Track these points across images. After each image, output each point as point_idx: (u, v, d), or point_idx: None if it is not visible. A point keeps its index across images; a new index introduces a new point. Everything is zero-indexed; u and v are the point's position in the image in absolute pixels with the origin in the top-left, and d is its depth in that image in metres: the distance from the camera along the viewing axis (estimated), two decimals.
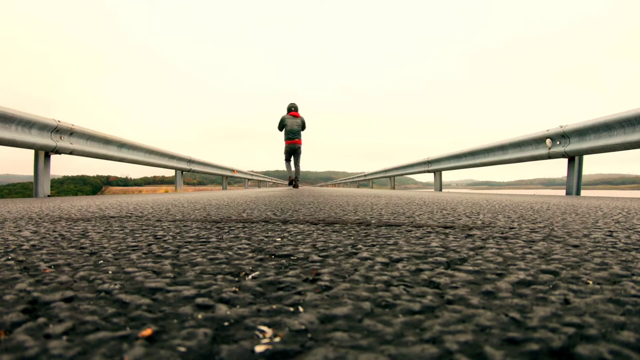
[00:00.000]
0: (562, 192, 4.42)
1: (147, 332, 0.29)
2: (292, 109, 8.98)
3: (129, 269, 0.50)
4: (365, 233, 0.86)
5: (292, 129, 8.89)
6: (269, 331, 0.29)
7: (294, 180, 8.82)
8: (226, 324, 0.31)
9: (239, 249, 0.66)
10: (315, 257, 0.58)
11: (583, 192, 4.29)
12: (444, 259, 0.56)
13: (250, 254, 0.61)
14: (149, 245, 0.70)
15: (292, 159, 9.07)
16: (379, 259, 0.56)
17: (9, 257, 0.59)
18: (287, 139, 8.89)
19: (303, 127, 9.10)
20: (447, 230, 0.89)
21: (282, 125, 8.92)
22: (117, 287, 0.42)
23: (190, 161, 7.75)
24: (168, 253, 0.62)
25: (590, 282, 0.43)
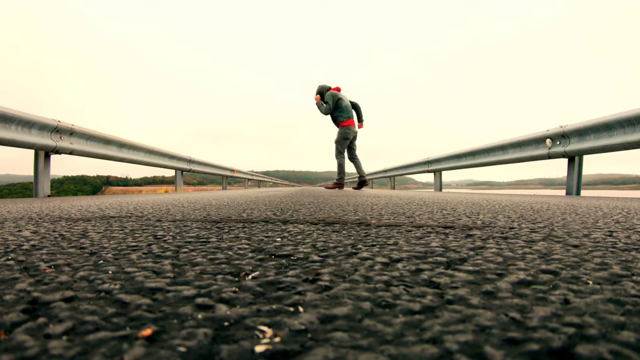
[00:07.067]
0: (562, 192, 4.42)
1: (147, 332, 0.29)
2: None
3: (129, 269, 0.50)
4: (365, 233, 0.86)
5: (347, 104, 6.41)
6: (269, 331, 0.29)
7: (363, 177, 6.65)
8: (226, 324, 0.31)
9: (239, 249, 0.66)
10: (315, 257, 0.58)
11: (583, 192, 4.29)
12: (444, 259, 0.56)
13: (250, 254, 0.61)
14: (149, 245, 0.70)
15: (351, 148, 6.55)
16: (379, 259, 0.56)
17: (9, 257, 0.59)
18: (343, 119, 6.36)
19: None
20: (447, 230, 0.89)
21: (335, 103, 6.37)
22: (117, 287, 0.42)
23: (190, 161, 7.75)
24: (168, 253, 0.62)
25: (590, 282, 0.43)
